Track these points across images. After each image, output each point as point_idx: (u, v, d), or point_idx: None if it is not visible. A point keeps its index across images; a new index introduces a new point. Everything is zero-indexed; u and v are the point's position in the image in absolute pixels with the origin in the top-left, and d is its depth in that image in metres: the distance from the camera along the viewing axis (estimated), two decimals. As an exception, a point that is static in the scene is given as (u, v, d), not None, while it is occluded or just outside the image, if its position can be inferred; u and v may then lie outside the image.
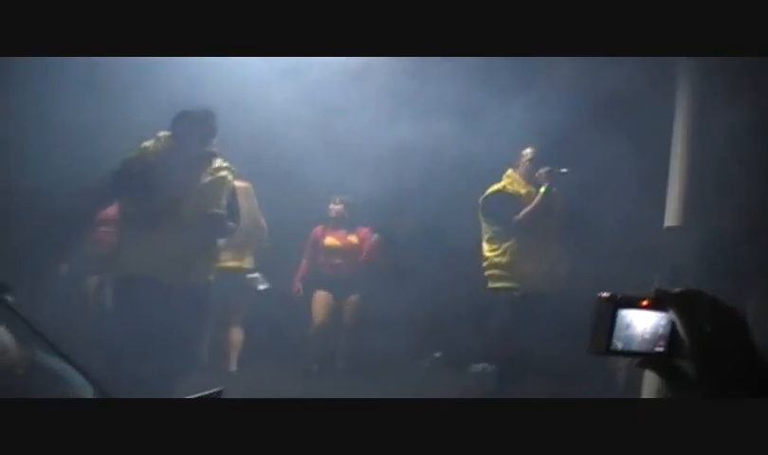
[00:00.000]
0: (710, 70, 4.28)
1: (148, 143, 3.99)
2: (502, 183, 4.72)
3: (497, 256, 4.64)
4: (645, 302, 0.91)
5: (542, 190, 4.58)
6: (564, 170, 4.57)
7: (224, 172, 4.07)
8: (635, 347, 0.92)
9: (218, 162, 4.06)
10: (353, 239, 5.96)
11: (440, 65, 4.98)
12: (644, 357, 0.94)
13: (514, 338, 4.49)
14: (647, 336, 0.92)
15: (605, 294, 0.92)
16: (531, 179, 4.67)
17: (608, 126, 4.78)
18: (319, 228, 6.00)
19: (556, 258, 4.55)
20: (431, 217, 5.56)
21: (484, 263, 4.72)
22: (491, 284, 4.69)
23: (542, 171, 4.60)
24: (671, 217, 4.52)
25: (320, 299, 5.89)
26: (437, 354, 5.87)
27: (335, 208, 5.94)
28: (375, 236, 5.97)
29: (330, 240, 5.95)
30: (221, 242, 4.29)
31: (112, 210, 5.20)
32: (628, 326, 0.92)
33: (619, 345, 0.92)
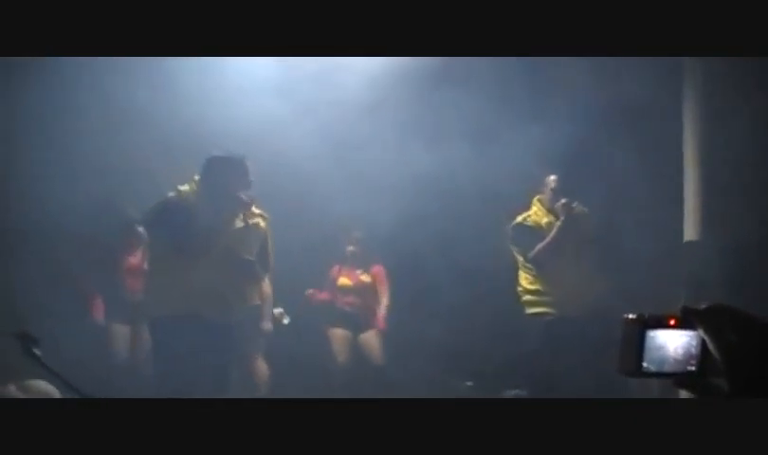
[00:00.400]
0: (718, 74, 4.26)
1: (184, 187, 4.03)
2: (530, 211, 4.82)
3: (530, 283, 4.73)
4: (672, 321, 0.90)
5: (557, 224, 4.64)
6: (575, 204, 4.63)
7: (257, 219, 4.13)
8: (668, 368, 0.91)
9: (253, 209, 4.12)
10: (365, 278, 5.99)
11: (451, 91, 5.04)
12: (678, 377, 0.92)
13: (549, 363, 4.54)
14: (679, 356, 0.91)
15: (632, 315, 0.91)
16: (554, 207, 4.74)
17: (620, 138, 4.80)
18: (336, 268, 6.05)
19: (585, 281, 4.56)
20: (449, 243, 5.57)
21: (519, 289, 4.80)
22: (528, 310, 4.76)
23: (560, 203, 4.66)
24: (690, 229, 4.50)
25: (338, 335, 5.94)
26: (469, 384, 5.83)
27: (349, 249, 5.98)
28: (380, 269, 6.00)
29: (343, 280, 6.01)
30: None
31: (136, 258, 5.38)
32: (660, 348, 0.91)
33: (651, 367, 0.91)
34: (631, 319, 0.91)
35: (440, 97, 5.30)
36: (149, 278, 4.35)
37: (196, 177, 4.08)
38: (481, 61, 4.47)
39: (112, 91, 5.04)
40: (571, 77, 4.81)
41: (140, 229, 5.34)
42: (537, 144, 4.79)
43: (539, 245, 4.63)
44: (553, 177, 4.75)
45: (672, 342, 0.91)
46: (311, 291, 5.94)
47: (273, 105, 4.90)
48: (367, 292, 5.96)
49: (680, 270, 4.54)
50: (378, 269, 6.01)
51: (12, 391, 2.47)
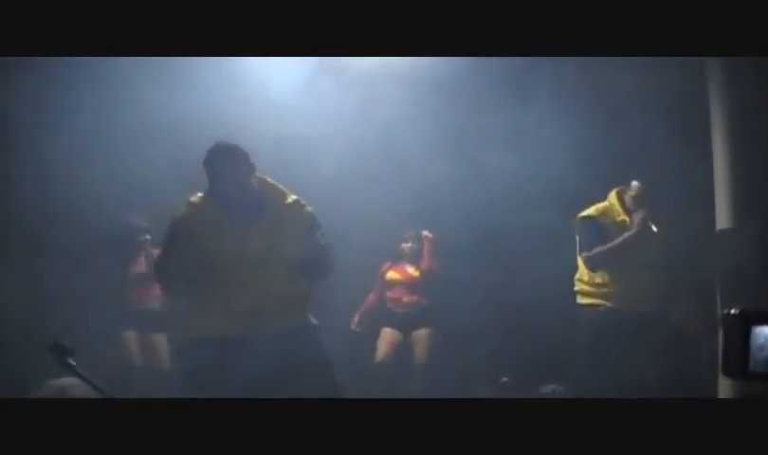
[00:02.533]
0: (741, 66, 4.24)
1: (195, 198, 3.52)
2: (602, 205, 4.74)
3: (592, 277, 4.67)
4: None
5: (626, 234, 4.57)
6: (654, 228, 4.54)
7: (291, 204, 3.55)
8: None
9: (291, 196, 3.57)
10: (414, 272, 5.98)
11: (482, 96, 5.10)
12: None
13: (594, 357, 4.52)
14: None
15: (734, 310, 0.81)
16: (631, 212, 4.67)
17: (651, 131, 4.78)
18: (386, 265, 6.06)
19: (641, 276, 4.56)
20: (496, 236, 5.59)
21: (576, 276, 4.75)
22: (581, 300, 4.71)
23: (638, 215, 4.59)
24: (722, 220, 4.46)
25: (386, 335, 5.94)
26: (505, 379, 5.86)
27: (405, 246, 6.00)
28: (429, 236, 5.96)
29: (391, 274, 6.01)
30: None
31: (141, 265, 5.47)
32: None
33: (759, 368, 0.79)
34: (733, 315, 0.80)
35: (475, 97, 5.36)
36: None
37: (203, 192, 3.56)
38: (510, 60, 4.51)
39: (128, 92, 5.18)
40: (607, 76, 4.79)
41: (147, 237, 5.53)
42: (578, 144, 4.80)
43: (600, 248, 4.57)
44: (637, 184, 4.68)
45: None
46: (357, 316, 5.98)
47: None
48: (416, 286, 5.92)
49: (715, 262, 4.50)
50: (427, 236, 5.95)
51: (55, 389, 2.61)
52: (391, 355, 5.88)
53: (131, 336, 5.55)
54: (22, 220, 5.36)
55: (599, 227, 4.65)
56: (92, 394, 2.40)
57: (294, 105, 5.18)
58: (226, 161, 3.42)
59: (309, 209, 3.56)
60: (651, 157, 4.85)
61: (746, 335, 0.78)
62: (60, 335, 2.31)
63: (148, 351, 5.59)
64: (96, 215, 5.38)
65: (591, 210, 4.72)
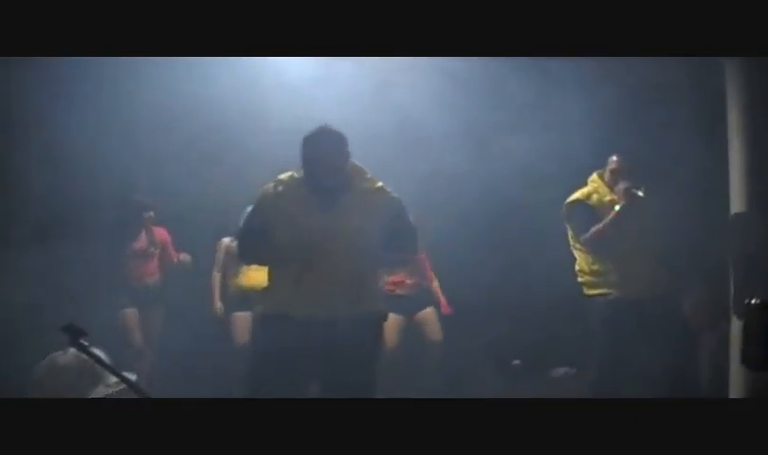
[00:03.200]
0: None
1: (284, 175, 3.59)
2: (586, 189, 4.68)
3: (589, 264, 4.61)
4: None
5: (616, 208, 4.50)
6: (641, 192, 4.46)
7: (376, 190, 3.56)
8: None
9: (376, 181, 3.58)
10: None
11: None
12: None
13: (607, 343, 4.50)
14: None
15: (755, 300, 0.73)
16: (614, 189, 4.60)
17: (661, 119, 4.77)
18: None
19: (645, 263, 4.48)
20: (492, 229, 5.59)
21: (576, 268, 4.70)
22: (587, 292, 4.64)
23: (620, 187, 4.52)
24: (736, 208, 4.48)
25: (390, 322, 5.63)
26: (516, 362, 5.90)
27: None
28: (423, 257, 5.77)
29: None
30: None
31: (142, 242, 5.50)
32: None
33: None
34: (756, 306, 0.72)
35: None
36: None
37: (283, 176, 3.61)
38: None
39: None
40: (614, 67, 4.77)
41: (150, 214, 5.54)
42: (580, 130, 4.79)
43: (595, 228, 4.51)
44: (614, 158, 4.61)
45: None
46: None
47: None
48: (415, 267, 5.67)
49: (727, 250, 4.51)
50: (422, 257, 5.72)
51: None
52: (400, 342, 5.58)
53: (130, 314, 5.53)
54: (29, 209, 5.37)
55: (590, 209, 4.58)
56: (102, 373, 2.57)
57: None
58: (328, 147, 3.46)
59: (396, 195, 3.57)
60: (669, 148, 4.83)
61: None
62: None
63: (145, 329, 5.58)
64: (101, 196, 5.43)
65: (576, 195, 4.65)
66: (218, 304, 5.69)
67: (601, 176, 4.68)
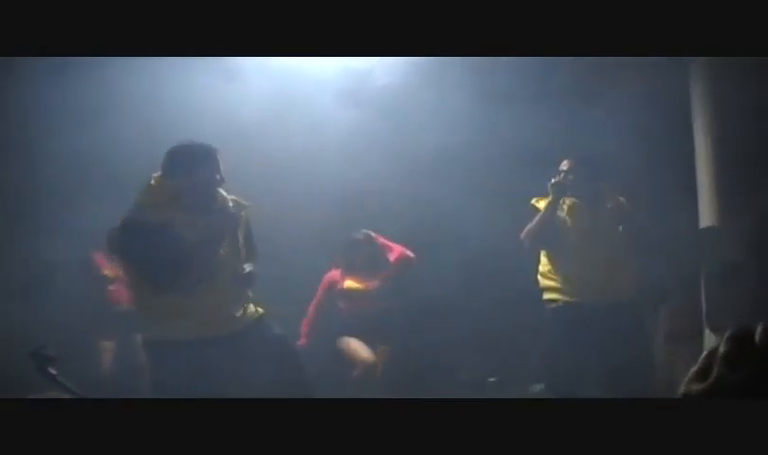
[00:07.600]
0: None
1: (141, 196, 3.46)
2: (548, 199, 4.63)
3: (543, 265, 4.61)
4: None
5: (539, 205, 4.53)
6: (554, 180, 4.45)
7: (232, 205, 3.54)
8: None
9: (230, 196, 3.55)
10: (373, 282, 5.32)
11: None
12: None
13: (564, 355, 4.40)
14: None
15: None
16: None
17: (627, 127, 4.75)
18: (335, 272, 5.37)
19: (602, 267, 4.39)
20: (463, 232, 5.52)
21: (539, 271, 4.67)
22: (544, 296, 4.61)
23: (550, 183, 4.49)
24: (705, 216, 4.46)
25: (353, 343, 5.20)
26: (492, 379, 5.78)
27: (358, 256, 5.33)
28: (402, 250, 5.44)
29: (350, 283, 5.29)
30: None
31: (113, 269, 5.06)
32: None
33: None
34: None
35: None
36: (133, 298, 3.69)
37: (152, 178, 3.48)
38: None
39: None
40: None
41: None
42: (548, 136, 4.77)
43: (529, 225, 4.51)
44: (565, 162, 4.58)
45: None
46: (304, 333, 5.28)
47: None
48: (377, 294, 5.23)
49: (699, 257, 4.49)
50: (400, 250, 5.34)
51: None
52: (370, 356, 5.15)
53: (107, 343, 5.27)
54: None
55: (535, 213, 4.56)
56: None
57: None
58: (195, 162, 3.41)
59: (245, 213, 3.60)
60: (634, 155, 4.81)
61: None
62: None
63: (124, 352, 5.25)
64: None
65: (533, 201, 4.63)
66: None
67: (554, 185, 4.63)
